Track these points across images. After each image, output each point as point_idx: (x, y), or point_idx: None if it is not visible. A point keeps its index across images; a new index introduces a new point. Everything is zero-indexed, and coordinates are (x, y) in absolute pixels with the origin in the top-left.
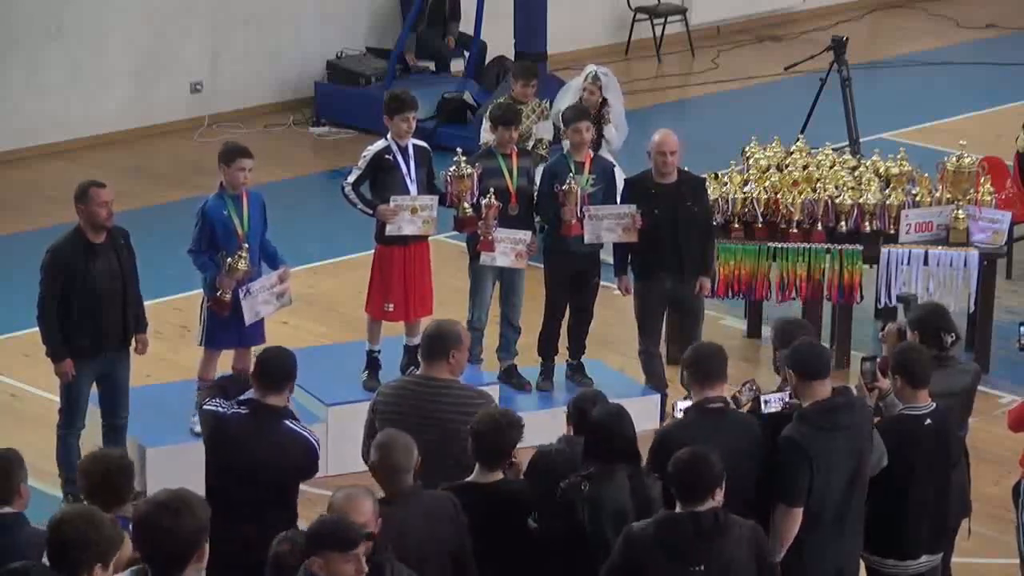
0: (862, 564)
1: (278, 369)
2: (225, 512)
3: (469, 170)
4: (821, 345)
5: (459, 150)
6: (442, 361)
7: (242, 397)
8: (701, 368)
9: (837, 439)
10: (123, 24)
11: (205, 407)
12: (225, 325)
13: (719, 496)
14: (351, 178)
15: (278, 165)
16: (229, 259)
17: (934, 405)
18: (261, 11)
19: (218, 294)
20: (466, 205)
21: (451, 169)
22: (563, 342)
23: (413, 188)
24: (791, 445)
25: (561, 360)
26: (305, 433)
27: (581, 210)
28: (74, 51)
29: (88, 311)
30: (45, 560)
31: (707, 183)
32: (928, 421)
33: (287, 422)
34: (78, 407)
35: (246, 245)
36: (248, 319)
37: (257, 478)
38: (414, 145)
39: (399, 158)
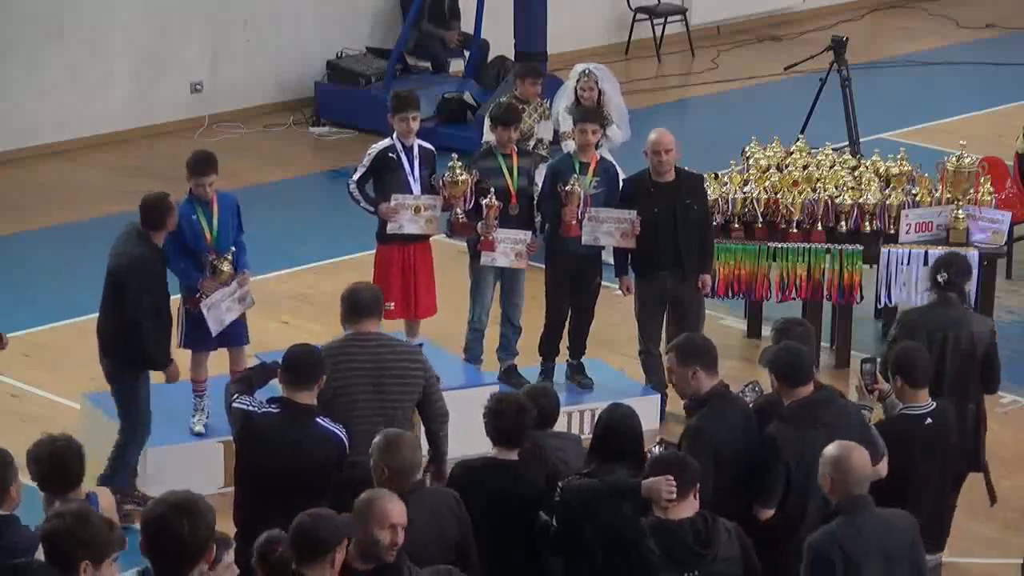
0: None
1: (306, 367)
2: (255, 508)
3: (464, 176)
4: (802, 349)
5: (455, 156)
6: (377, 318)
7: (272, 396)
8: (712, 357)
9: (818, 437)
10: (123, 24)
11: (235, 405)
12: (205, 326)
13: (696, 498)
14: (355, 176)
15: (278, 165)
16: (214, 261)
17: (934, 404)
18: (261, 11)
19: (198, 296)
20: (459, 211)
21: (445, 175)
22: (563, 342)
23: (416, 188)
24: (767, 443)
25: (561, 360)
26: (335, 430)
27: (582, 211)
28: (74, 51)
29: (164, 316)
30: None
31: (706, 181)
32: (928, 420)
33: (318, 420)
34: (148, 418)
35: (233, 248)
36: (214, 329)
37: (289, 476)
38: (419, 146)
39: (403, 157)
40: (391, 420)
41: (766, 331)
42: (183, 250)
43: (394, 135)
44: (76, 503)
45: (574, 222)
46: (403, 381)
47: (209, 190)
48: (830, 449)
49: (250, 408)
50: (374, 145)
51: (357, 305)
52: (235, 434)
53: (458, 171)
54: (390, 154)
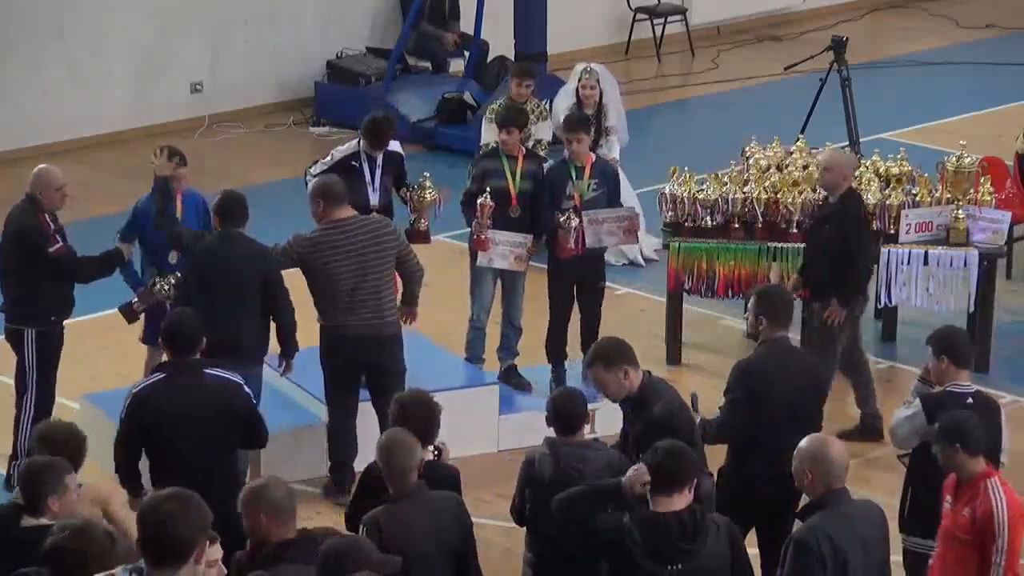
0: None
1: (187, 333)
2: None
3: (434, 195)
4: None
5: (426, 174)
6: (346, 203)
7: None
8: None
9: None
10: (123, 24)
11: (126, 399)
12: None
13: (690, 492)
14: (315, 170)
15: (278, 165)
16: (158, 279)
17: (976, 389)
18: (261, 11)
19: (133, 302)
20: (423, 221)
21: (414, 186)
22: (573, 345)
23: (374, 198)
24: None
25: (568, 361)
26: (228, 375)
27: (576, 237)
28: (74, 51)
29: None
30: None
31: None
32: (970, 400)
33: (207, 371)
34: None
35: (178, 274)
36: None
37: (190, 431)
38: (386, 152)
39: (365, 167)
40: (375, 286)
41: None
42: (146, 248)
43: (359, 142)
44: (74, 520)
45: (568, 246)
46: (380, 252)
47: (180, 184)
48: (804, 444)
49: (135, 390)
50: (339, 148)
51: (329, 195)
52: (131, 421)
53: (427, 189)
54: (353, 162)
